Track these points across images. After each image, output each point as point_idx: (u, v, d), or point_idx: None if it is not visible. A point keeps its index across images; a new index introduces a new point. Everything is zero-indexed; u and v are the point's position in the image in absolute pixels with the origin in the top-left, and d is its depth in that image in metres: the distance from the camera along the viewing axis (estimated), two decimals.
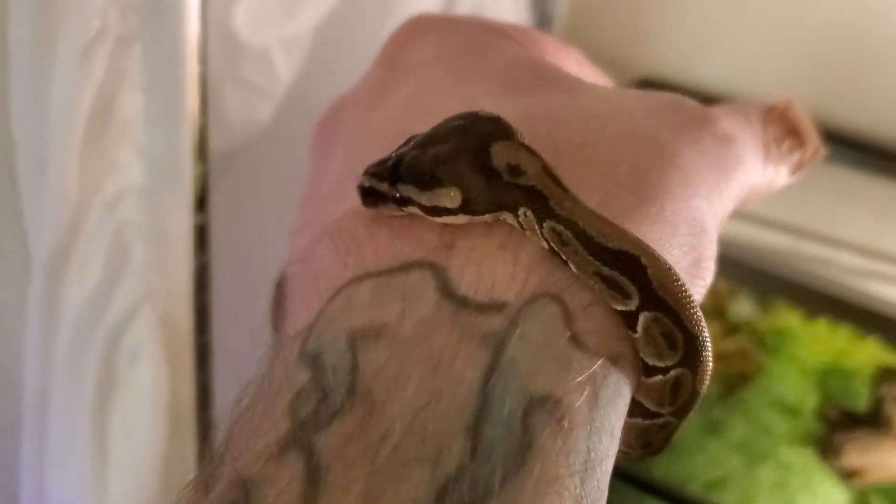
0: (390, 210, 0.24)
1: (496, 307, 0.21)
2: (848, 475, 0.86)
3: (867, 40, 0.89)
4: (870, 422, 0.90)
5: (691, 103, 0.28)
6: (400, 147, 0.24)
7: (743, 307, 0.94)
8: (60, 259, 0.58)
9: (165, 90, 0.59)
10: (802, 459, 0.85)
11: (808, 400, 0.89)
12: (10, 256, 0.59)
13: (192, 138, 0.61)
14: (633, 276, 0.21)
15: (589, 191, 0.23)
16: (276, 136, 0.67)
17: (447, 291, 0.21)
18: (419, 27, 0.32)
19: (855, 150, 0.91)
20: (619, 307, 0.22)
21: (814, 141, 0.32)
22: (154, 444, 0.59)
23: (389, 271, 0.22)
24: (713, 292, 0.94)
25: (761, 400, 0.89)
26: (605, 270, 0.21)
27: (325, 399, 0.19)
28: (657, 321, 0.22)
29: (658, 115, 0.27)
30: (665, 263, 0.22)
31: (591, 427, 0.20)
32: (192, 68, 0.59)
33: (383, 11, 0.73)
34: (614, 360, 0.21)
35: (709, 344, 0.23)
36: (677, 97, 0.28)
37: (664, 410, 0.24)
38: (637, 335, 0.22)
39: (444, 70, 0.30)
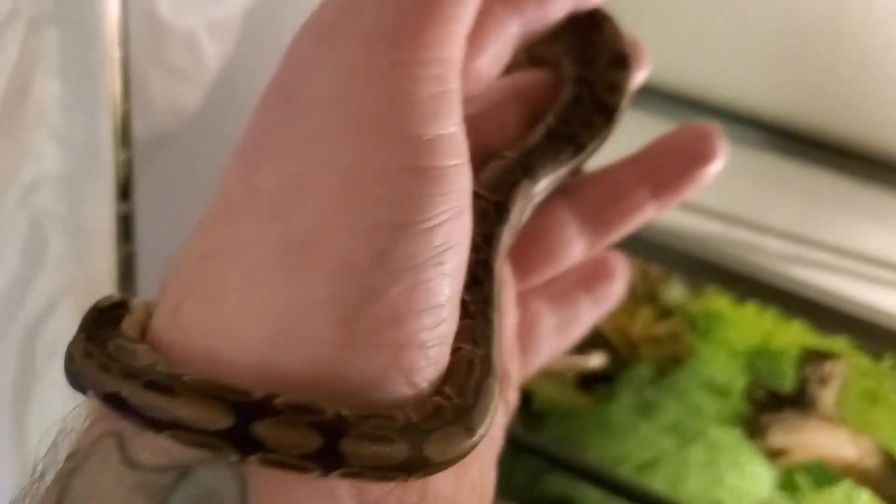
0: None
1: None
2: (774, 454, 0.88)
3: (804, 37, 0.91)
4: (795, 402, 0.92)
5: None
6: None
7: (675, 291, 0.95)
8: None
9: (83, 74, 0.56)
10: (731, 439, 0.87)
11: (737, 381, 0.90)
12: None
13: (113, 124, 0.59)
14: None
15: None
16: (202, 123, 0.65)
17: None
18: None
19: (782, 138, 0.93)
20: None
21: None
22: None
23: None
24: (647, 277, 0.95)
25: (692, 382, 0.90)
26: None
27: None
28: None
29: None
30: None
31: None
32: (111, 51, 0.57)
33: None
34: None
35: None
36: None
37: None
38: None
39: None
